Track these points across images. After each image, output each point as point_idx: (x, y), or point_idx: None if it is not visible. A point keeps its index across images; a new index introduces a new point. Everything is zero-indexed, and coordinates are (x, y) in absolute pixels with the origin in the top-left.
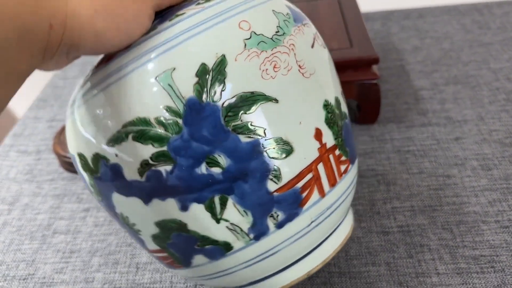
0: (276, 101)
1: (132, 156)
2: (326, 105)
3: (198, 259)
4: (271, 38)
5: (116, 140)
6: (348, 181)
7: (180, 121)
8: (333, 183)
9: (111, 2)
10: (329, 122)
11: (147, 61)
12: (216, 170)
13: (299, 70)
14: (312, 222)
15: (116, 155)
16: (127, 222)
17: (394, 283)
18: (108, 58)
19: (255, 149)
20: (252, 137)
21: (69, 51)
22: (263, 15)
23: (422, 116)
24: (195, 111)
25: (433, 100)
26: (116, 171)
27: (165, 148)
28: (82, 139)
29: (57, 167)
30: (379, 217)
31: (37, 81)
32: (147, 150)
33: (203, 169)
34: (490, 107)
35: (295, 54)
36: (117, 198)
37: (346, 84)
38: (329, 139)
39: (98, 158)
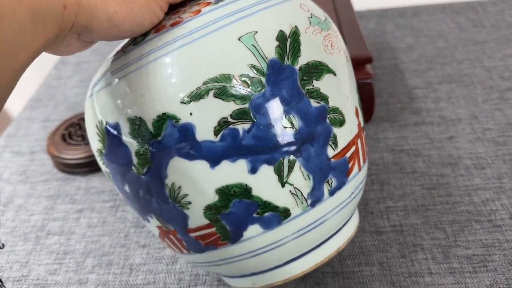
0: (335, 74)
1: (210, 114)
2: (357, 90)
3: (252, 230)
4: (324, 22)
5: (194, 97)
6: (367, 166)
7: (263, 79)
8: (364, 160)
9: None
10: (360, 105)
11: (230, 23)
12: (289, 131)
13: (344, 54)
14: (352, 193)
15: (191, 114)
16: (176, 194)
17: (387, 283)
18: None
19: (321, 114)
20: (319, 103)
21: (81, 33)
22: (313, 4)
23: (415, 115)
24: (277, 72)
25: (427, 99)
26: (185, 131)
27: (246, 105)
28: (142, 101)
29: (51, 168)
30: (372, 217)
31: (31, 81)
32: (228, 108)
33: (279, 129)
34: (484, 105)
35: (339, 40)
36: (176, 164)
37: None
38: (361, 119)
39: (165, 118)
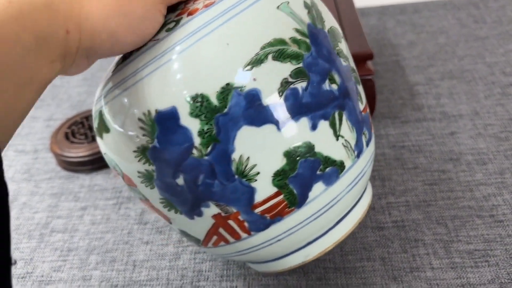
0: (346, 40)
1: (272, 76)
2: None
3: (316, 189)
4: None
5: (255, 62)
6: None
7: (308, 41)
8: (372, 130)
9: (122, 2)
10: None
11: None
12: (334, 87)
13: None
14: (371, 154)
15: (254, 79)
16: (244, 167)
17: (388, 278)
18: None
19: (349, 72)
20: (346, 62)
21: (88, 54)
22: None
23: (417, 111)
24: (315, 34)
25: (428, 95)
26: (251, 98)
27: (301, 65)
28: (200, 77)
29: (54, 166)
30: (374, 213)
31: None
32: (287, 68)
33: (327, 85)
34: (486, 101)
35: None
36: (244, 134)
37: None
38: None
39: (230, 89)
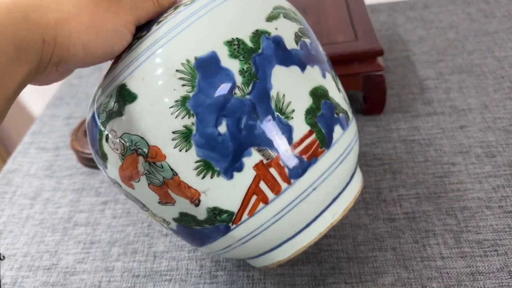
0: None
1: (288, 29)
2: None
3: (336, 131)
4: None
5: (273, 17)
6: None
7: (297, 12)
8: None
9: (96, 17)
10: None
11: None
12: (324, 51)
13: None
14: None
15: (276, 29)
16: (282, 103)
17: (400, 267)
18: None
19: None
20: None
21: (59, 64)
22: None
23: (427, 105)
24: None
25: (438, 90)
26: (278, 42)
27: (302, 26)
28: (234, 25)
29: (75, 163)
30: (385, 205)
31: None
32: (295, 26)
33: (321, 47)
34: (495, 95)
35: None
36: (277, 73)
37: (352, 76)
38: None
39: (260, 33)
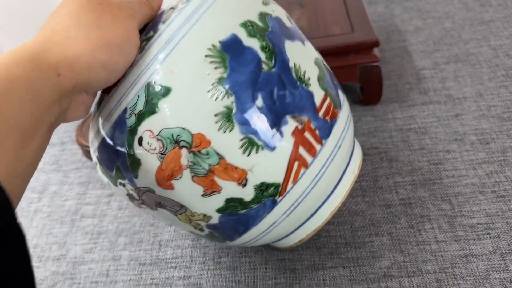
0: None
1: (279, 11)
2: None
3: (340, 94)
4: None
5: (266, 2)
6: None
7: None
8: None
9: (104, 31)
10: None
11: None
12: None
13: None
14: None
15: (273, 11)
16: (300, 72)
17: (396, 251)
18: None
19: None
20: None
21: (87, 89)
22: None
23: (423, 95)
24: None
25: (434, 79)
26: (279, 21)
27: (284, 10)
28: (241, 10)
29: (80, 157)
30: (382, 192)
31: None
32: (281, 9)
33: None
34: (490, 83)
35: None
36: (288, 47)
37: (349, 68)
38: None
39: (264, 15)
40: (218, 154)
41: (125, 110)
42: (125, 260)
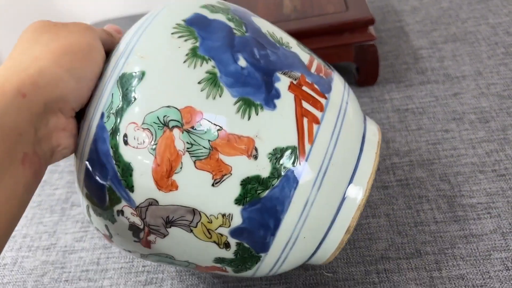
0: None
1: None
2: None
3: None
4: None
5: None
6: None
7: None
8: None
9: (64, 42)
10: None
11: None
12: None
13: None
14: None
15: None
16: (276, 37)
17: (393, 233)
18: None
19: None
20: None
21: (61, 107)
22: None
23: (421, 74)
24: None
25: (432, 59)
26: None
27: None
28: None
29: None
30: (379, 173)
31: None
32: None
33: None
34: (489, 61)
35: None
36: (255, 20)
37: (344, 47)
38: None
39: (223, 2)
40: (215, 125)
41: (102, 115)
42: (116, 248)
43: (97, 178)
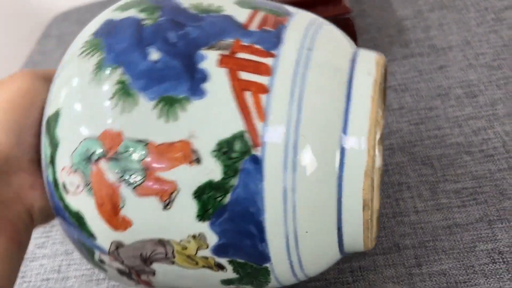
0: None
1: None
2: None
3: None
4: None
5: None
6: None
7: None
8: None
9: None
10: None
11: None
12: None
13: None
14: None
15: None
16: (202, 5)
17: None
18: None
19: None
20: None
21: (14, 165)
22: None
23: (404, 47)
24: None
25: (416, 29)
26: None
27: None
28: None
29: None
30: None
31: (16, 60)
32: None
33: None
34: (478, 29)
35: None
36: None
37: None
38: None
39: None
40: (139, 141)
41: (45, 167)
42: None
43: (68, 233)
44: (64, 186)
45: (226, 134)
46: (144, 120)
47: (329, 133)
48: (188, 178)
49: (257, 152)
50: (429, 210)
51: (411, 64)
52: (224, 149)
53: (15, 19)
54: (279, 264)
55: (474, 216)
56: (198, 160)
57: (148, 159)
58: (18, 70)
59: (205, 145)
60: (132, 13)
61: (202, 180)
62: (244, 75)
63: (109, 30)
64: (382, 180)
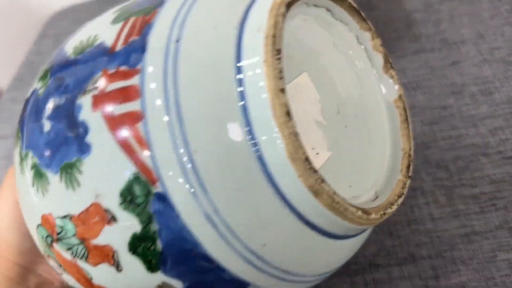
0: None
1: None
2: None
3: None
4: None
5: None
6: None
7: None
8: None
9: None
10: None
11: None
12: None
13: None
14: None
15: None
16: (82, 44)
17: (383, 234)
18: None
19: None
20: None
21: (24, 261)
22: None
23: (414, 42)
24: None
25: (426, 23)
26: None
27: None
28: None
29: None
30: None
31: (13, 61)
32: None
33: None
34: (491, 21)
35: None
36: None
37: None
38: None
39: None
40: (63, 217)
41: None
42: None
43: None
44: (55, 269)
45: (123, 182)
46: (59, 195)
47: (221, 140)
48: (116, 238)
49: (157, 189)
50: (446, 217)
51: (422, 60)
52: (128, 198)
53: (11, 19)
54: (262, 280)
55: (493, 223)
56: (114, 218)
57: (78, 230)
58: (15, 71)
59: (112, 201)
60: (35, 84)
61: (127, 236)
62: (117, 110)
63: (25, 112)
64: None
